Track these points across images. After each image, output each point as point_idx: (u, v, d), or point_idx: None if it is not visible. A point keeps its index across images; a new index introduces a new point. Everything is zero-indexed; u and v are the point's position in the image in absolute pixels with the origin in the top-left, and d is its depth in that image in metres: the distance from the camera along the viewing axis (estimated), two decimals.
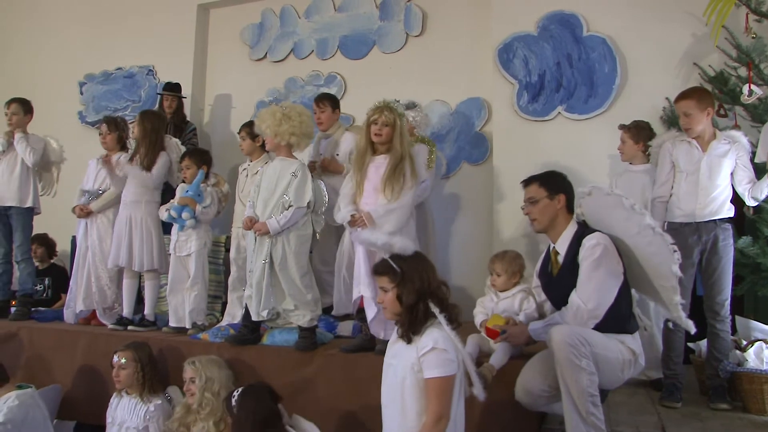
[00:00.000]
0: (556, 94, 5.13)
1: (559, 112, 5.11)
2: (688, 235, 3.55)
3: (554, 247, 3.08)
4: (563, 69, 5.13)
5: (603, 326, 2.84)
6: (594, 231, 2.96)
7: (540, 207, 3.05)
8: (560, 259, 3.02)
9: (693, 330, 2.96)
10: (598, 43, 5.03)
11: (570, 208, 3.08)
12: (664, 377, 3.63)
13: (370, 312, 3.48)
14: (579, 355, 2.64)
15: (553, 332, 2.74)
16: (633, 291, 3.11)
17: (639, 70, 4.94)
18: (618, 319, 2.89)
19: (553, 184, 3.08)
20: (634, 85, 4.94)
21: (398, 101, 4.43)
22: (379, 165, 3.59)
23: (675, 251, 2.80)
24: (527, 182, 3.15)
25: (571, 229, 3.03)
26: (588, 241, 2.89)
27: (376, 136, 3.58)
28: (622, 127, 4.20)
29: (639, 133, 4.10)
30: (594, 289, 2.82)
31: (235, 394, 3.02)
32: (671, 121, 4.59)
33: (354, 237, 3.52)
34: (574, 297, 2.87)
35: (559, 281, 3.02)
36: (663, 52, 4.84)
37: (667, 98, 4.65)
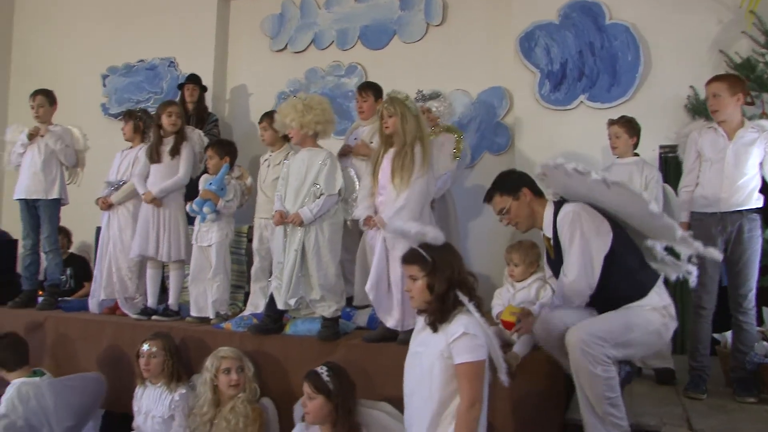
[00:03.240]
0: (578, 83, 5.10)
1: (582, 101, 5.08)
2: (712, 226, 3.51)
3: (543, 233, 3.07)
4: (585, 57, 5.09)
5: (620, 298, 2.79)
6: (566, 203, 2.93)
7: (513, 211, 3.04)
8: (552, 242, 3.00)
9: (719, 257, 2.92)
10: (621, 30, 4.98)
11: (538, 193, 3.06)
12: (690, 368, 3.59)
13: (375, 303, 3.58)
14: (594, 362, 2.61)
15: (570, 334, 2.70)
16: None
17: (663, 58, 4.88)
18: (631, 281, 2.83)
19: (510, 185, 3.07)
20: (658, 74, 4.89)
21: (421, 91, 4.40)
22: (390, 156, 3.61)
23: (641, 193, 2.74)
24: (487, 199, 3.13)
25: (549, 211, 3.01)
26: (559, 216, 2.88)
27: (385, 128, 3.61)
28: (613, 122, 4.10)
29: (633, 127, 4.05)
30: (574, 260, 2.80)
31: (322, 370, 3.08)
32: (696, 109, 4.54)
33: (387, 228, 3.47)
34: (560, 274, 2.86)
35: (559, 263, 2.99)
36: (687, 39, 4.78)
37: (691, 86, 4.59)
